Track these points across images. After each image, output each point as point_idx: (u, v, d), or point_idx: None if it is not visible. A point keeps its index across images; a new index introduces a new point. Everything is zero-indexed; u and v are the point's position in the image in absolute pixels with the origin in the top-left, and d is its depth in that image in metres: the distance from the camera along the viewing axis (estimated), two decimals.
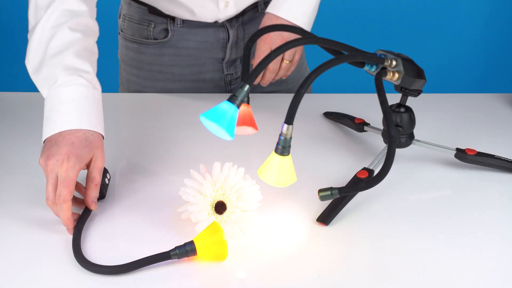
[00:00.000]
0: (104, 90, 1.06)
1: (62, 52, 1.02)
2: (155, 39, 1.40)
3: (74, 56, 1.02)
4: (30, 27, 1.07)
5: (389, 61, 1.00)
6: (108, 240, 0.95)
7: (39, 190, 1.03)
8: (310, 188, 1.05)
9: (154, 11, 1.38)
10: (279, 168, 0.88)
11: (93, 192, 0.98)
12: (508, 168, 1.12)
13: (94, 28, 1.10)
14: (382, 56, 1.01)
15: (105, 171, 1.04)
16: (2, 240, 0.94)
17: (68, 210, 0.93)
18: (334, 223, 0.98)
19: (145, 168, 1.14)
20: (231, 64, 1.45)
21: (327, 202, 1.01)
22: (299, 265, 0.90)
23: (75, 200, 0.99)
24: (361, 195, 1.04)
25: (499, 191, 1.09)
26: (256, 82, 1.31)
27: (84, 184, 1.00)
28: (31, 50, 1.05)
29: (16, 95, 1.41)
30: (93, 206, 0.98)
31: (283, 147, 0.88)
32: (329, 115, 1.33)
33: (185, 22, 1.38)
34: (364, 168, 1.05)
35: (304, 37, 0.96)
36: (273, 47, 1.29)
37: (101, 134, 1.01)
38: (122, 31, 1.45)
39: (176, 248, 0.88)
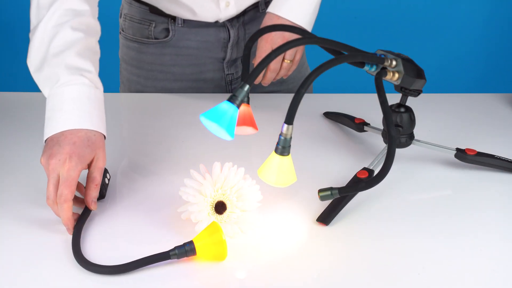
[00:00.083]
0: (105, 89, 1.06)
1: (64, 51, 1.02)
2: (156, 38, 1.40)
3: (76, 56, 1.02)
4: (32, 26, 1.07)
5: (389, 61, 1.00)
6: (108, 240, 0.95)
7: (39, 190, 1.03)
8: (310, 188, 1.05)
9: (155, 10, 1.38)
10: (279, 168, 0.88)
11: (93, 192, 0.98)
12: (508, 168, 1.12)
13: (96, 27, 1.10)
14: (382, 56, 1.01)
15: (105, 171, 1.04)
16: (2, 240, 0.94)
17: (69, 210, 0.93)
18: (334, 223, 0.98)
19: (145, 168, 1.14)
20: (232, 64, 1.45)
21: (327, 202, 1.01)
22: (299, 265, 0.90)
23: (75, 199, 0.99)
24: (361, 195, 1.04)
25: (499, 191, 1.09)
26: (257, 81, 1.31)
27: (84, 184, 1.00)
28: (33, 49, 1.05)
29: (16, 95, 1.41)
30: (93, 206, 0.98)
31: (283, 147, 0.88)
32: (329, 115, 1.33)
33: (186, 21, 1.38)
34: (364, 168, 1.05)
35: (304, 37, 0.96)
36: (275, 47, 1.29)
37: (103, 134, 1.01)
38: (123, 30, 1.45)
39: (175, 248, 0.88)
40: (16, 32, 2.75)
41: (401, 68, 1.01)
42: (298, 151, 1.05)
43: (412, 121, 1.11)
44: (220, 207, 0.95)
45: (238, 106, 0.85)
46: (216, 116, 0.84)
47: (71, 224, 0.94)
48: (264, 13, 1.35)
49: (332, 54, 1.01)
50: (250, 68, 1.03)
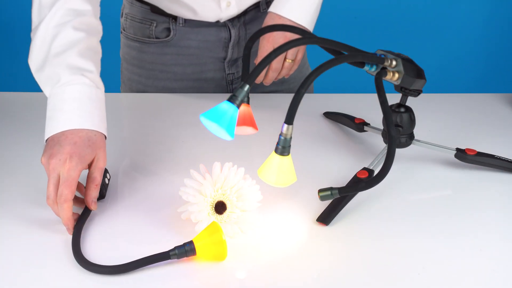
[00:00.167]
0: (106, 88, 1.07)
1: (66, 51, 1.02)
2: (157, 38, 1.41)
3: (77, 56, 1.02)
4: (33, 26, 1.07)
5: (389, 61, 1.00)
6: (108, 240, 0.95)
7: (39, 190, 1.03)
8: (310, 188, 1.05)
9: (156, 10, 1.38)
10: (279, 168, 0.88)
11: (94, 192, 0.98)
12: (508, 168, 1.12)
13: (97, 27, 1.10)
14: (382, 56, 1.01)
15: (105, 171, 1.04)
16: (2, 240, 0.94)
17: (69, 210, 0.93)
18: (334, 223, 0.98)
19: (145, 168, 1.14)
20: (233, 64, 1.45)
21: (327, 202, 1.01)
22: (299, 265, 0.90)
23: (75, 199, 0.99)
24: (361, 195, 1.04)
25: (499, 191, 1.09)
26: (258, 81, 1.31)
27: (84, 184, 1.00)
28: (34, 48, 1.05)
29: (16, 95, 1.41)
30: (93, 206, 0.98)
31: (283, 147, 0.88)
32: (329, 115, 1.33)
33: (187, 21, 1.38)
34: (364, 168, 1.05)
35: (304, 37, 0.96)
36: (276, 46, 1.29)
37: (103, 134, 1.01)
38: (124, 30, 1.45)
39: (175, 248, 0.88)
40: (16, 32, 2.75)
41: (401, 68, 1.01)
42: (298, 151, 1.05)
43: (412, 121, 1.11)
44: (220, 207, 0.95)
45: (238, 106, 0.85)
46: (216, 116, 0.84)
47: (71, 224, 0.94)
48: (265, 13, 1.35)
49: (332, 54, 1.01)
50: (250, 68, 1.03)
